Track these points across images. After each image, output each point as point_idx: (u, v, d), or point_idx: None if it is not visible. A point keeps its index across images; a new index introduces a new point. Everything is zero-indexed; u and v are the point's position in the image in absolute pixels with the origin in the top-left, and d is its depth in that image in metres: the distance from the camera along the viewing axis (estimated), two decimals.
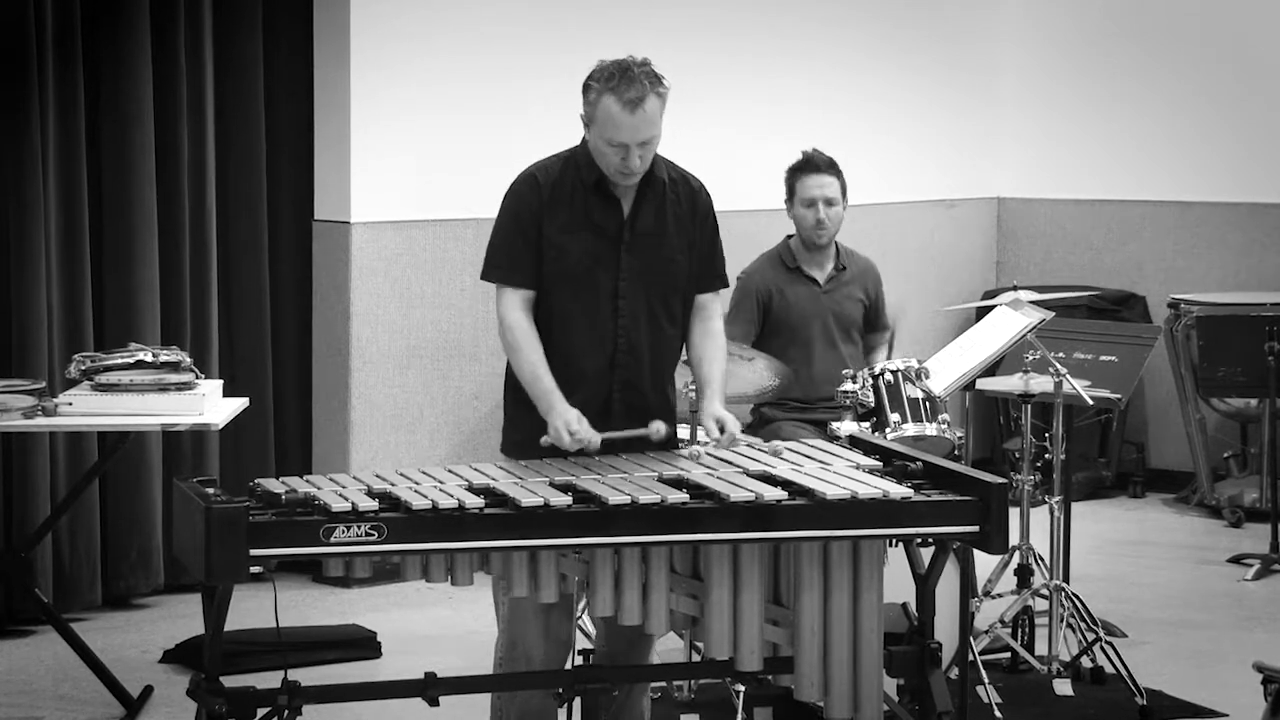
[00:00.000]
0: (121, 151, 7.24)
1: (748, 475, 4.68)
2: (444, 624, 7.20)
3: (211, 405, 6.09)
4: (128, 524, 7.33)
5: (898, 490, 4.63)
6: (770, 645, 4.71)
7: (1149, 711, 6.15)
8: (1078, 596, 6.48)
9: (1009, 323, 6.54)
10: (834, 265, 6.95)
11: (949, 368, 6.53)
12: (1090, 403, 6.58)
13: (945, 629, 5.53)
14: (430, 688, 4.68)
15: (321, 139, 7.78)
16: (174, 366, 6.04)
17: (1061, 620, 6.45)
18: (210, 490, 4.38)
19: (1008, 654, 6.52)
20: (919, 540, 4.86)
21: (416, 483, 4.52)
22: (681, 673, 5.96)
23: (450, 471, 4.60)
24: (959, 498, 4.66)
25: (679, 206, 4.97)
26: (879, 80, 9.37)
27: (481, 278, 4.99)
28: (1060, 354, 6.80)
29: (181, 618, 7.13)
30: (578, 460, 4.77)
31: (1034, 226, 10.01)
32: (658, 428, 4.82)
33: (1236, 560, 8.17)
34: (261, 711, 4.55)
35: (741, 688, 5.63)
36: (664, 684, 6.07)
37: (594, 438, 4.76)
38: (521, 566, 4.50)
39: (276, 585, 4.84)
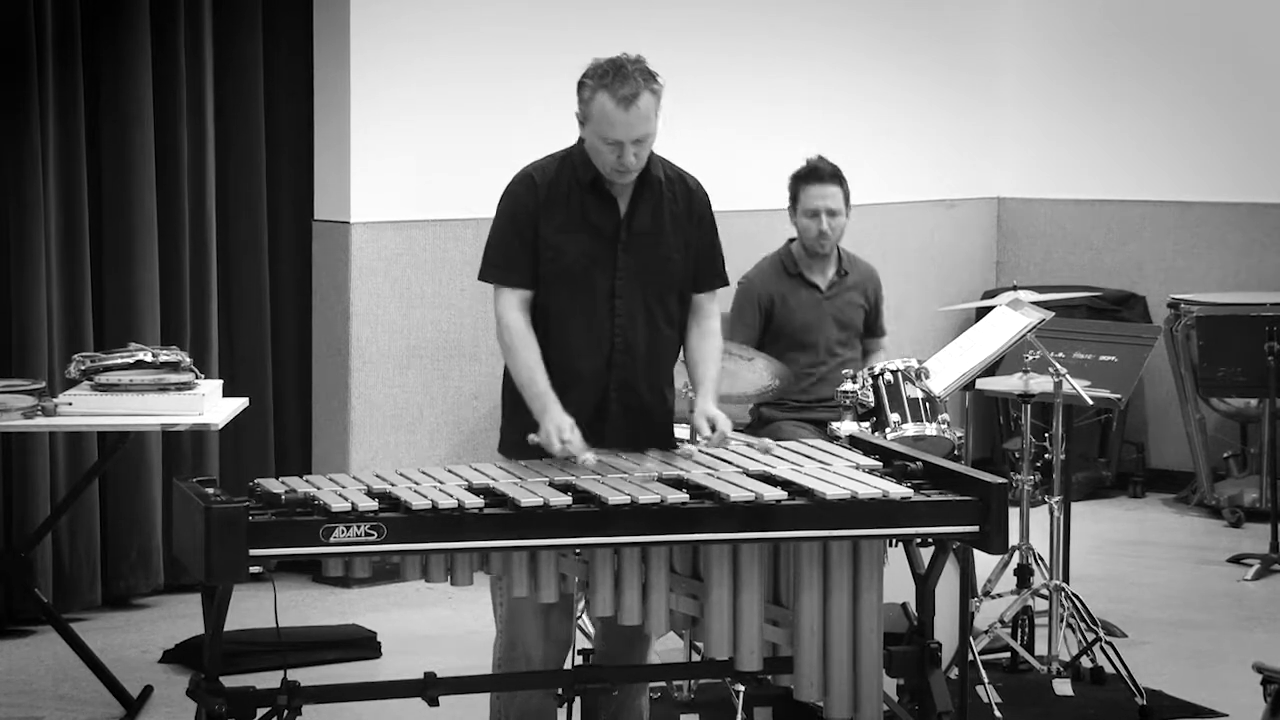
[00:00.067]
0: (121, 152, 7.24)
1: (747, 475, 4.68)
2: (444, 624, 7.20)
3: (211, 405, 6.09)
4: (128, 524, 7.33)
5: (897, 490, 4.63)
6: (770, 645, 4.71)
7: (1149, 711, 6.15)
8: (1078, 596, 6.48)
9: (1009, 323, 6.54)
10: (835, 271, 6.95)
11: (949, 368, 6.53)
12: (1090, 403, 6.58)
13: (945, 629, 5.53)
14: (430, 688, 4.68)
15: (321, 139, 7.78)
16: (174, 366, 6.04)
17: (1061, 620, 6.45)
18: (210, 490, 4.38)
19: (1008, 654, 6.52)
20: (919, 540, 4.86)
21: (416, 483, 4.52)
22: (681, 673, 5.96)
23: (450, 471, 4.60)
24: (959, 498, 4.66)
25: (675, 206, 4.97)
26: (879, 80, 9.37)
27: (479, 278, 4.99)
28: (1060, 354, 6.81)
29: (181, 618, 7.13)
30: (577, 461, 4.77)
31: (1034, 226, 10.02)
32: (648, 468, 4.79)
33: (1236, 560, 8.17)
34: (261, 711, 4.55)
35: (741, 688, 5.63)
36: (664, 684, 6.07)
37: (585, 453, 4.74)
38: (521, 566, 4.50)
39: (276, 585, 4.84)
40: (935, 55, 9.63)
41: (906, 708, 5.20)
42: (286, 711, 4.55)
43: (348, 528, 4.30)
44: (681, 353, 5.07)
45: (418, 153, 7.81)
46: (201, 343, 7.42)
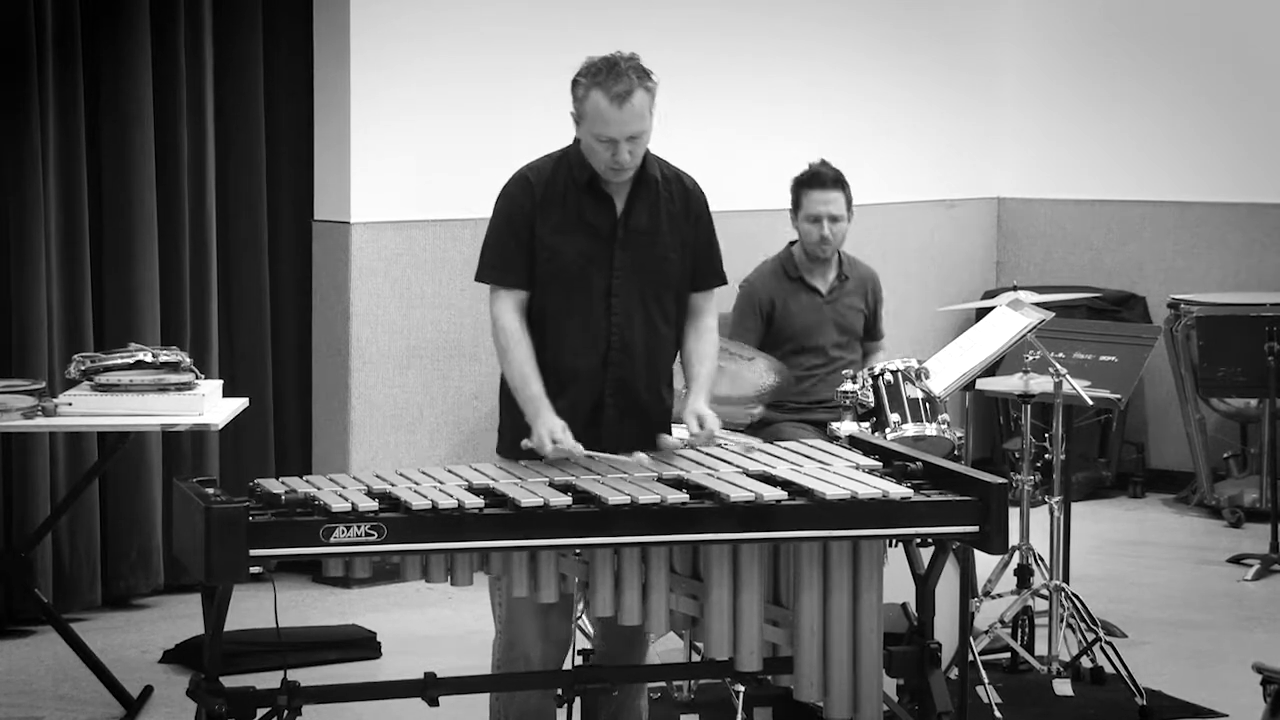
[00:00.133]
0: (121, 151, 7.24)
1: (747, 475, 4.68)
2: (444, 624, 7.20)
3: (211, 405, 6.09)
4: (128, 524, 7.33)
5: (897, 490, 4.63)
6: (770, 645, 4.71)
7: (1149, 712, 6.15)
8: (1077, 596, 6.47)
9: (1009, 323, 6.54)
10: (836, 275, 6.94)
11: (949, 368, 6.52)
12: (1090, 403, 6.58)
13: (945, 629, 5.53)
14: (430, 688, 4.68)
15: (321, 139, 7.78)
16: (174, 367, 6.04)
17: (1061, 620, 6.45)
18: (210, 490, 4.38)
19: (1008, 654, 6.52)
20: (919, 540, 4.85)
21: (416, 483, 4.52)
22: (681, 673, 5.96)
23: (450, 471, 4.60)
24: (959, 498, 4.66)
25: (672, 205, 4.96)
26: (879, 80, 9.37)
27: (476, 279, 5.00)
28: (1060, 354, 6.81)
29: (181, 618, 7.13)
30: (580, 463, 4.77)
31: (1034, 226, 10.02)
32: (640, 458, 4.81)
33: (1236, 560, 8.17)
34: (261, 711, 4.55)
35: (741, 688, 5.63)
36: (664, 684, 6.07)
37: (577, 449, 4.75)
38: (521, 567, 4.50)
39: (276, 585, 4.84)
40: (935, 55, 9.63)
41: (906, 708, 5.20)
42: (286, 711, 4.54)
43: (348, 528, 4.30)
44: (679, 352, 5.08)
45: (418, 153, 7.81)
46: (201, 343, 7.42)
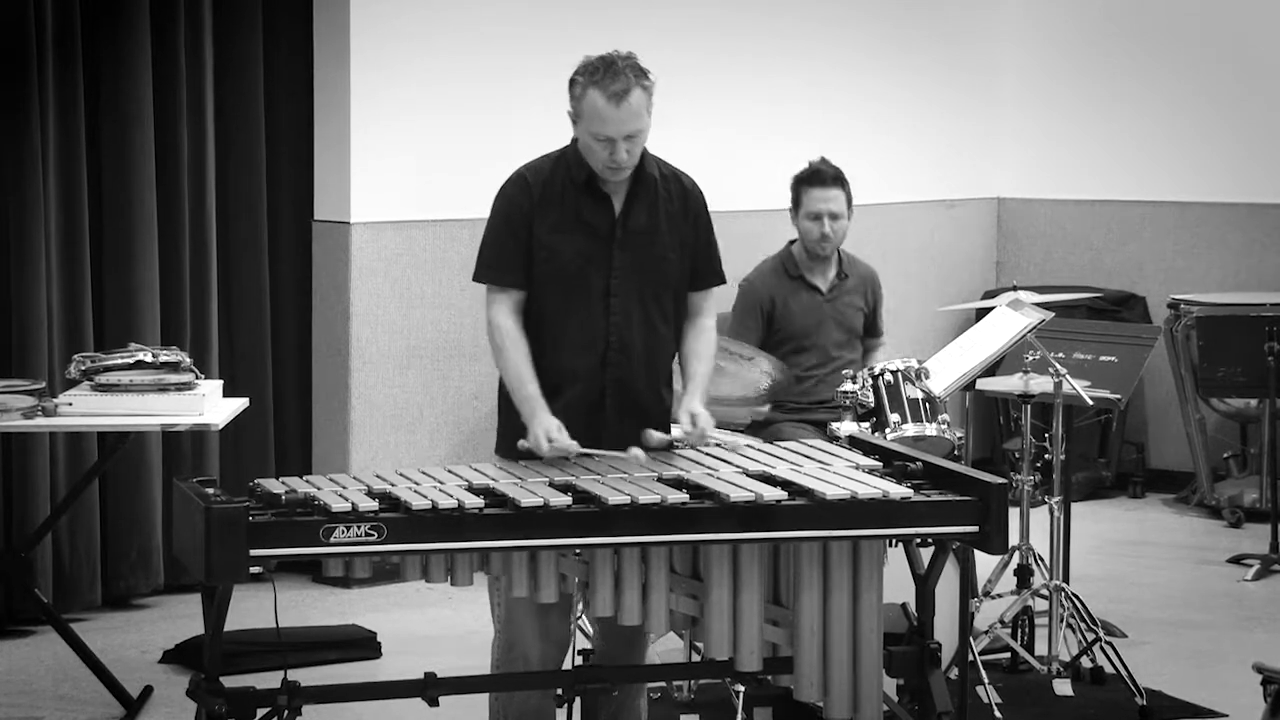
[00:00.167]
0: (121, 151, 7.24)
1: (747, 475, 4.68)
2: (444, 624, 7.20)
3: (211, 405, 6.09)
4: (128, 524, 7.33)
5: (897, 490, 4.63)
6: (770, 645, 4.71)
7: (1149, 711, 6.15)
8: (1077, 596, 6.48)
9: (1009, 323, 6.54)
10: (836, 273, 6.94)
11: (949, 368, 6.52)
12: (1090, 403, 6.58)
13: (945, 629, 5.53)
14: (430, 688, 4.68)
15: (321, 139, 7.78)
16: (174, 366, 6.04)
17: (1061, 620, 6.45)
18: (210, 490, 4.38)
19: (1008, 654, 6.52)
20: (919, 540, 4.86)
21: (416, 483, 4.52)
22: (681, 673, 5.96)
23: (450, 471, 4.60)
24: (959, 498, 4.66)
25: (671, 204, 4.96)
26: (879, 80, 9.37)
27: (473, 279, 5.00)
28: (1060, 354, 6.81)
29: (181, 618, 7.13)
30: (578, 460, 4.77)
31: (1034, 226, 10.02)
32: (636, 453, 4.81)
33: (1236, 560, 8.17)
34: (261, 711, 4.55)
35: (741, 688, 5.63)
36: (664, 684, 6.07)
37: (572, 447, 4.75)
38: (521, 567, 4.50)
39: (276, 585, 4.84)
40: (935, 55, 9.63)
41: (906, 708, 5.20)
42: (286, 711, 4.54)
43: (348, 528, 4.30)
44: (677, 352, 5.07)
45: (418, 153, 7.81)
46: (201, 343, 7.42)
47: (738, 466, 4.75)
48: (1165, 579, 7.96)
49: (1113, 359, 7.08)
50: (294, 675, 4.59)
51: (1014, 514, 5.46)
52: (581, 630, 5.75)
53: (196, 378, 6.08)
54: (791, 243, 6.99)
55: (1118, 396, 6.86)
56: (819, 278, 6.92)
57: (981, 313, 7.13)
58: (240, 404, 6.40)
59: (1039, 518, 6.57)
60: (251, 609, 6.02)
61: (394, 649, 6.81)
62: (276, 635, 5.42)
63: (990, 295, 8.54)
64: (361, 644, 6.78)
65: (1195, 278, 9.50)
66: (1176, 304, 8.96)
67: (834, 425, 6.21)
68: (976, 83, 9.85)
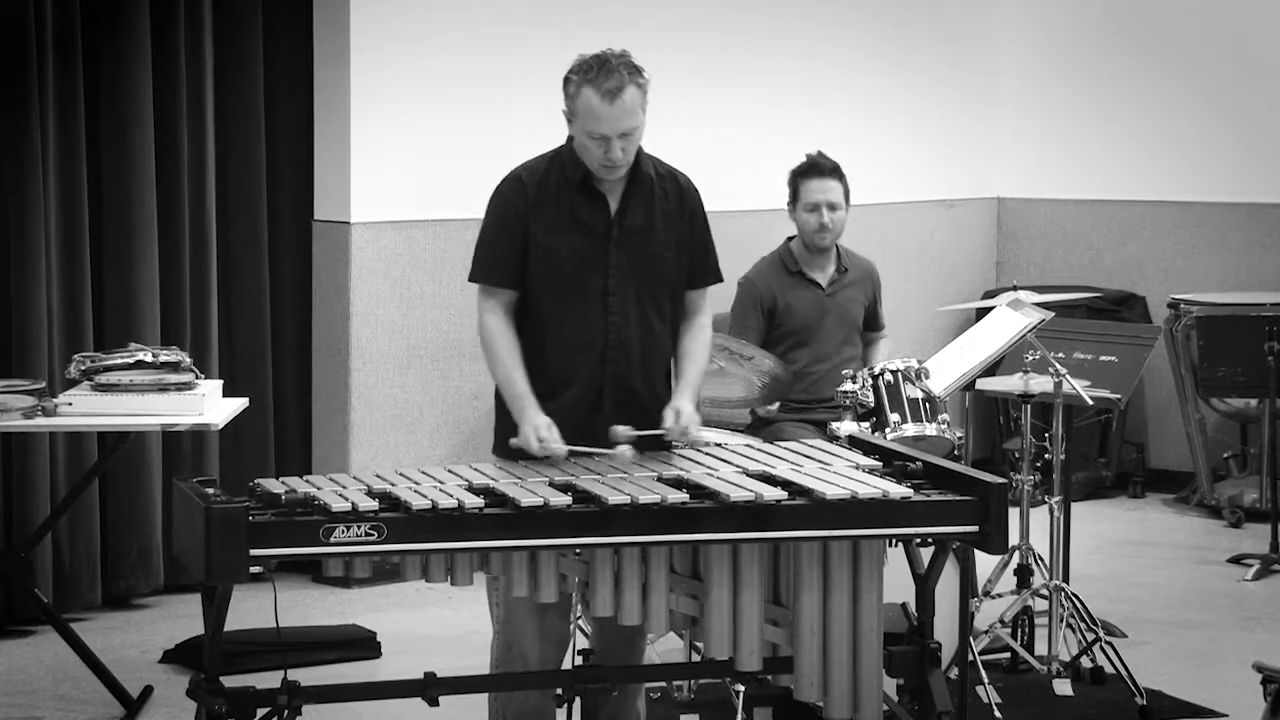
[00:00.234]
0: (121, 151, 7.24)
1: (747, 475, 4.68)
2: (444, 624, 7.20)
3: (211, 405, 6.09)
4: (128, 524, 7.33)
5: (897, 490, 4.63)
6: (770, 645, 4.71)
7: (1149, 711, 6.15)
8: (1077, 596, 6.47)
9: (1009, 323, 6.54)
10: (835, 268, 6.94)
11: (949, 368, 6.52)
12: (1090, 403, 6.58)
13: (945, 629, 5.53)
14: (430, 688, 4.68)
15: (321, 139, 7.78)
16: (174, 366, 6.04)
17: (1061, 620, 6.45)
18: (210, 490, 4.38)
19: (1008, 654, 6.52)
20: (919, 540, 4.86)
21: (416, 483, 4.52)
22: (681, 673, 5.96)
23: (450, 471, 4.60)
24: (959, 498, 4.66)
25: (667, 203, 4.96)
26: (879, 80, 9.37)
27: (469, 279, 5.01)
28: (1060, 354, 6.81)
29: (181, 618, 7.13)
30: (578, 460, 4.78)
31: (1034, 226, 10.02)
32: (623, 450, 4.81)
33: (1236, 560, 8.17)
34: (261, 711, 4.55)
35: (741, 688, 5.63)
36: (664, 684, 6.06)
37: (560, 449, 4.76)
38: (521, 566, 4.50)
39: (276, 585, 4.84)
40: (935, 55, 9.63)
41: (906, 708, 5.20)
42: (286, 711, 4.54)
43: (348, 528, 4.30)
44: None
45: (418, 153, 7.81)
46: (201, 343, 7.42)
47: (738, 466, 4.75)
48: (1165, 579, 7.96)
49: (1113, 359, 7.08)
50: (294, 675, 4.59)
51: (1014, 514, 5.46)
52: (581, 630, 5.75)
53: (196, 378, 6.08)
54: (790, 239, 6.98)
55: (1118, 396, 6.86)
56: (818, 272, 6.91)
57: (981, 313, 7.13)
58: (240, 404, 6.40)
59: (1039, 518, 6.57)
60: (251, 609, 6.02)
61: (394, 649, 6.81)
62: (276, 635, 5.42)
63: (990, 295, 8.53)
64: (361, 644, 6.78)
65: (1195, 278, 9.50)
66: (1176, 304, 8.96)
67: (834, 425, 6.21)
68: (976, 83, 9.85)
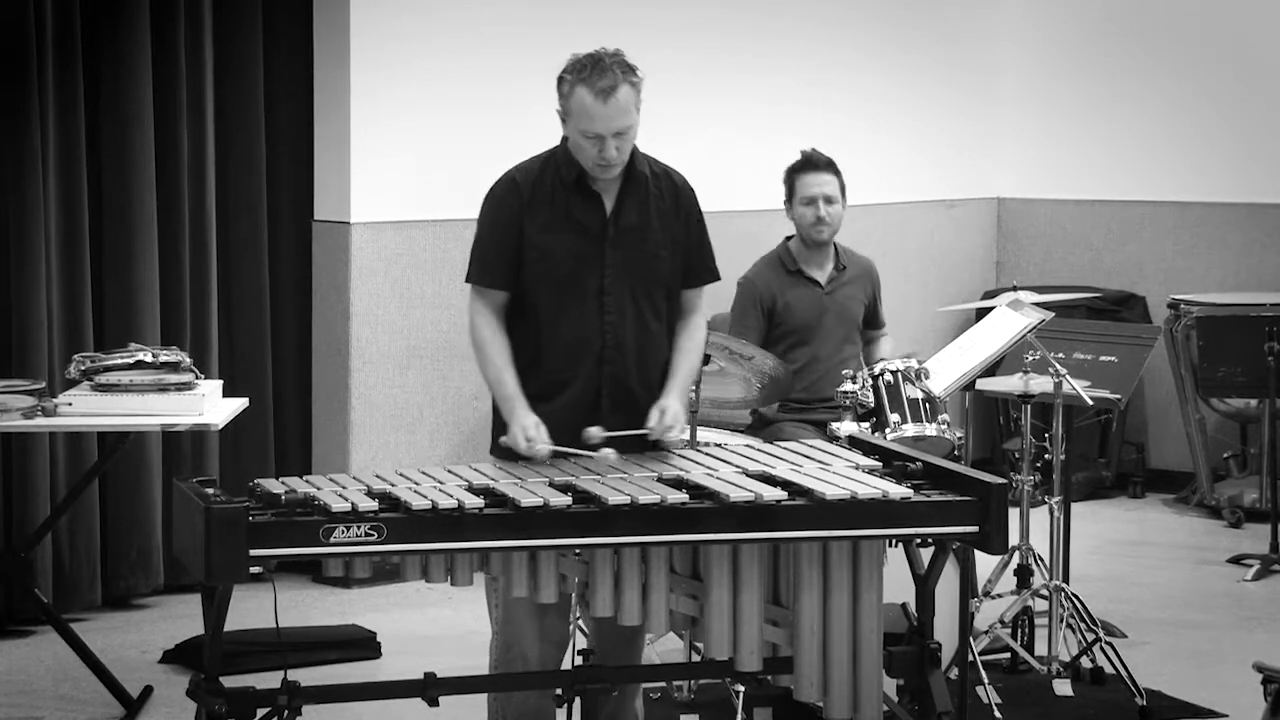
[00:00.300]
0: (121, 152, 7.24)
1: (747, 475, 4.68)
2: (444, 624, 7.20)
3: (211, 405, 6.09)
4: (128, 524, 7.33)
5: (897, 490, 4.63)
6: (770, 645, 4.70)
7: (1149, 712, 6.15)
8: (1077, 597, 6.47)
9: (1009, 323, 6.54)
10: (834, 266, 6.94)
11: (949, 368, 6.52)
12: (1090, 403, 6.58)
13: (945, 629, 5.53)
14: (430, 688, 4.68)
15: (321, 139, 7.78)
16: (174, 367, 6.04)
17: (1061, 620, 6.45)
18: (210, 490, 4.38)
19: (1007, 654, 6.52)
20: (919, 540, 4.85)
21: (416, 483, 4.52)
22: (681, 673, 5.96)
23: (450, 471, 4.60)
24: (959, 498, 4.66)
25: (662, 202, 4.96)
26: (879, 80, 9.37)
27: (466, 280, 5.01)
28: (1060, 354, 6.81)
29: (181, 618, 7.13)
30: (579, 460, 4.78)
31: (1034, 226, 10.02)
32: (605, 453, 4.81)
33: (1236, 560, 8.17)
34: (261, 711, 4.55)
35: (741, 688, 5.63)
36: (664, 684, 6.06)
37: (544, 450, 4.75)
38: (521, 567, 4.50)
39: (276, 585, 4.84)
40: (935, 55, 9.63)
41: (906, 708, 5.20)
42: (286, 711, 4.54)
43: (348, 528, 4.30)
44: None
45: (418, 153, 7.81)
46: (201, 343, 7.42)
47: (737, 466, 4.75)
48: (1165, 579, 7.96)
49: (1113, 359, 7.08)
50: (294, 675, 4.59)
51: (1014, 514, 5.46)
52: (581, 630, 5.75)
53: (196, 378, 6.08)
54: (788, 239, 6.98)
55: (1118, 396, 6.86)
56: (817, 270, 6.91)
57: (981, 313, 7.13)
58: (240, 404, 6.40)
59: (1039, 518, 6.57)
60: (251, 609, 6.02)
61: (394, 649, 6.81)
62: (276, 635, 5.42)
63: (990, 295, 8.54)
64: (361, 644, 6.78)
65: (1195, 278, 9.51)
66: (1176, 304, 8.97)
67: (834, 425, 6.21)
68: (976, 83, 9.85)
